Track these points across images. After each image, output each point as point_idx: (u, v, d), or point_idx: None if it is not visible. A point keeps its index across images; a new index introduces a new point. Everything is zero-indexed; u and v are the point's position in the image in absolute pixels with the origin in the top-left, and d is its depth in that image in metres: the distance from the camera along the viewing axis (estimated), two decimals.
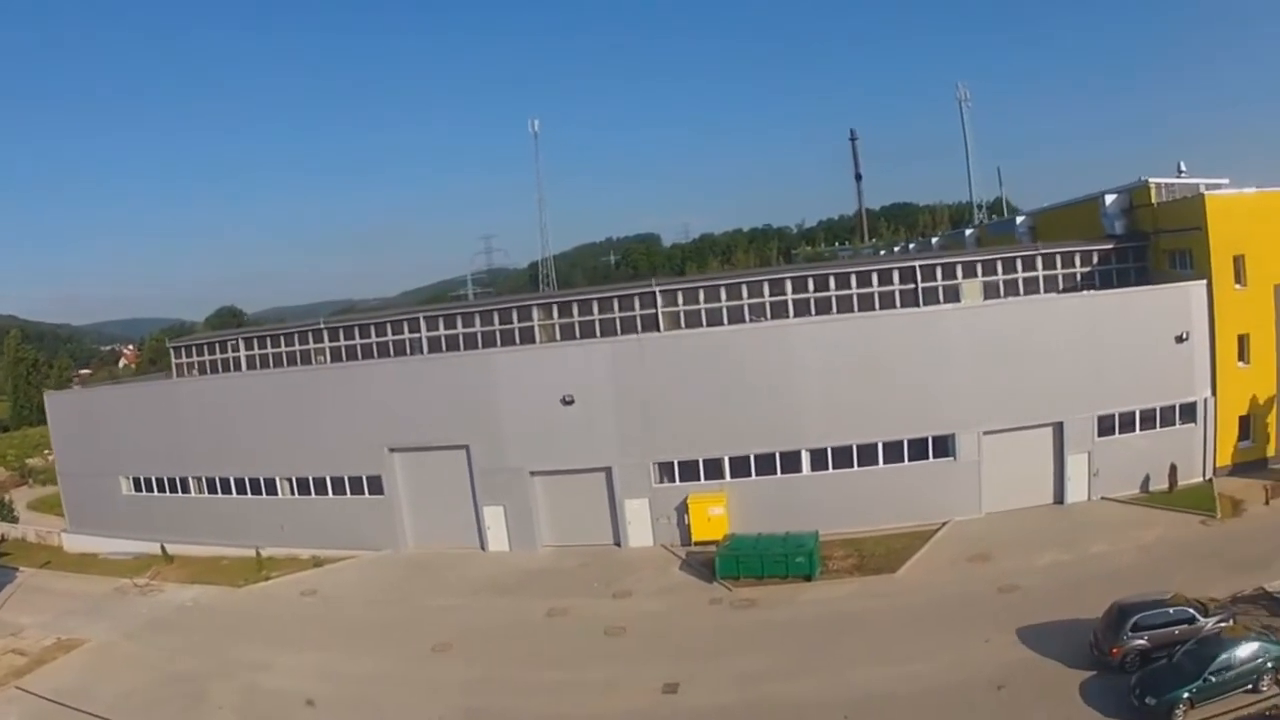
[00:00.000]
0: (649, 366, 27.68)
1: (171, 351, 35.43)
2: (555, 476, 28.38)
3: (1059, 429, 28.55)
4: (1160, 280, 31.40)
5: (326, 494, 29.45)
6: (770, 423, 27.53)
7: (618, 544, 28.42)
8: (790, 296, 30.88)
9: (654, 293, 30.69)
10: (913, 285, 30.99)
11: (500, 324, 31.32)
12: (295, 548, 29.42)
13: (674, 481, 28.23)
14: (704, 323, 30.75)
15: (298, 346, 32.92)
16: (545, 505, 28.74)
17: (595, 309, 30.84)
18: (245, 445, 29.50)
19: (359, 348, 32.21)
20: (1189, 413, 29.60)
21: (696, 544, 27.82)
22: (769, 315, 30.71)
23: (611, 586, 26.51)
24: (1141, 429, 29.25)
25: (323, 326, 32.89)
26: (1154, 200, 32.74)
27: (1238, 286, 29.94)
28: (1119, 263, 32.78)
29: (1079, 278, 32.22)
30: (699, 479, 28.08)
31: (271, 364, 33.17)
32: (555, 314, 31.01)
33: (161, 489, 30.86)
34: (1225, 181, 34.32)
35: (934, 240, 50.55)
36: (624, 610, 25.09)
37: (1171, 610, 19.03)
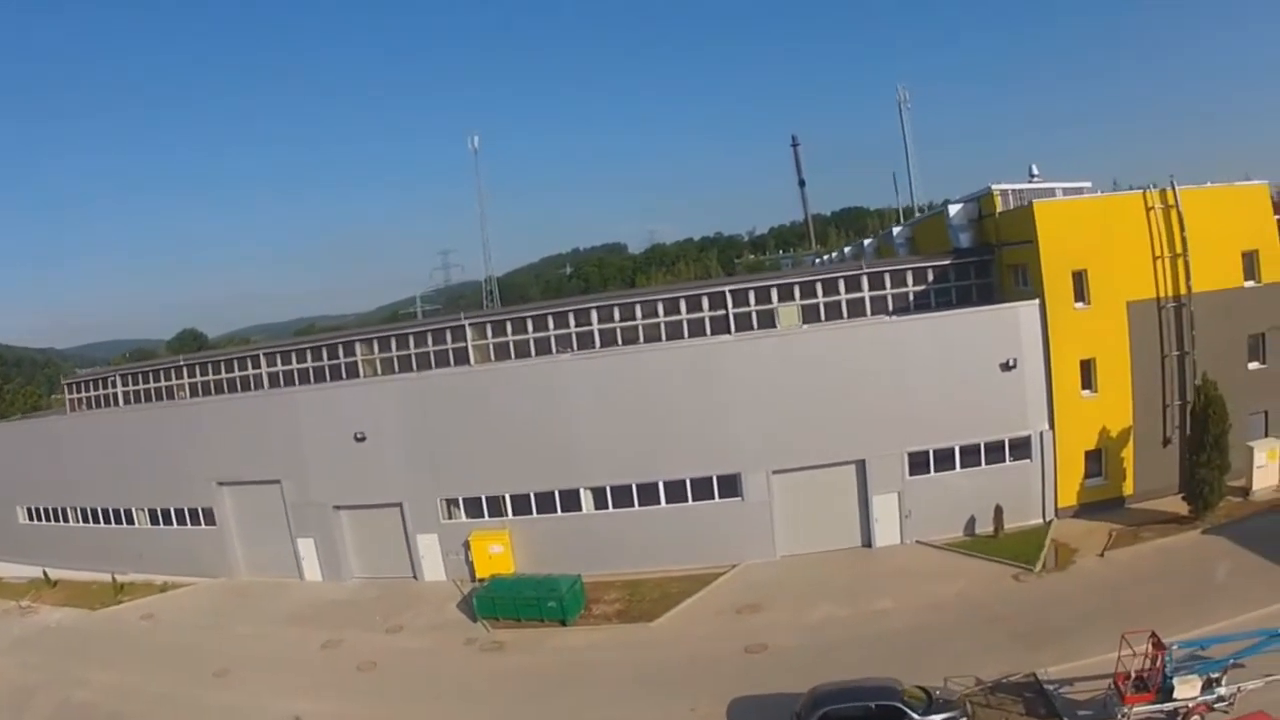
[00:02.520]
0: (432, 404, 26.26)
1: (65, 388, 37.04)
2: (357, 511, 27.43)
3: (861, 467, 24.41)
4: (1007, 299, 26.39)
5: (172, 524, 29.69)
6: (548, 460, 25.59)
7: (416, 577, 26.81)
8: (596, 326, 28.30)
9: (463, 326, 28.78)
10: (723, 311, 27.46)
11: (328, 359, 30.51)
12: (152, 574, 30.17)
13: (461, 518, 26.39)
14: (513, 355, 28.70)
15: (164, 382, 33.62)
16: (352, 538, 27.91)
17: (411, 343, 29.40)
18: (106, 478, 30.28)
19: (211, 384, 32.37)
20: (1022, 448, 24.98)
21: (480, 580, 25.88)
22: (575, 346, 28.12)
23: (390, 620, 25.72)
24: (963, 466, 25.07)
25: (181, 363, 33.42)
26: (998, 209, 27.50)
27: (1079, 305, 24.86)
28: (959, 279, 28.06)
29: (911, 297, 27.61)
30: (484, 516, 26.09)
31: (141, 399, 34.04)
32: (375, 349, 29.78)
33: (48, 518, 32.28)
34: (1087, 185, 28.53)
35: (865, 243, 45.58)
36: (386, 645, 24.24)
37: (873, 704, 15.80)
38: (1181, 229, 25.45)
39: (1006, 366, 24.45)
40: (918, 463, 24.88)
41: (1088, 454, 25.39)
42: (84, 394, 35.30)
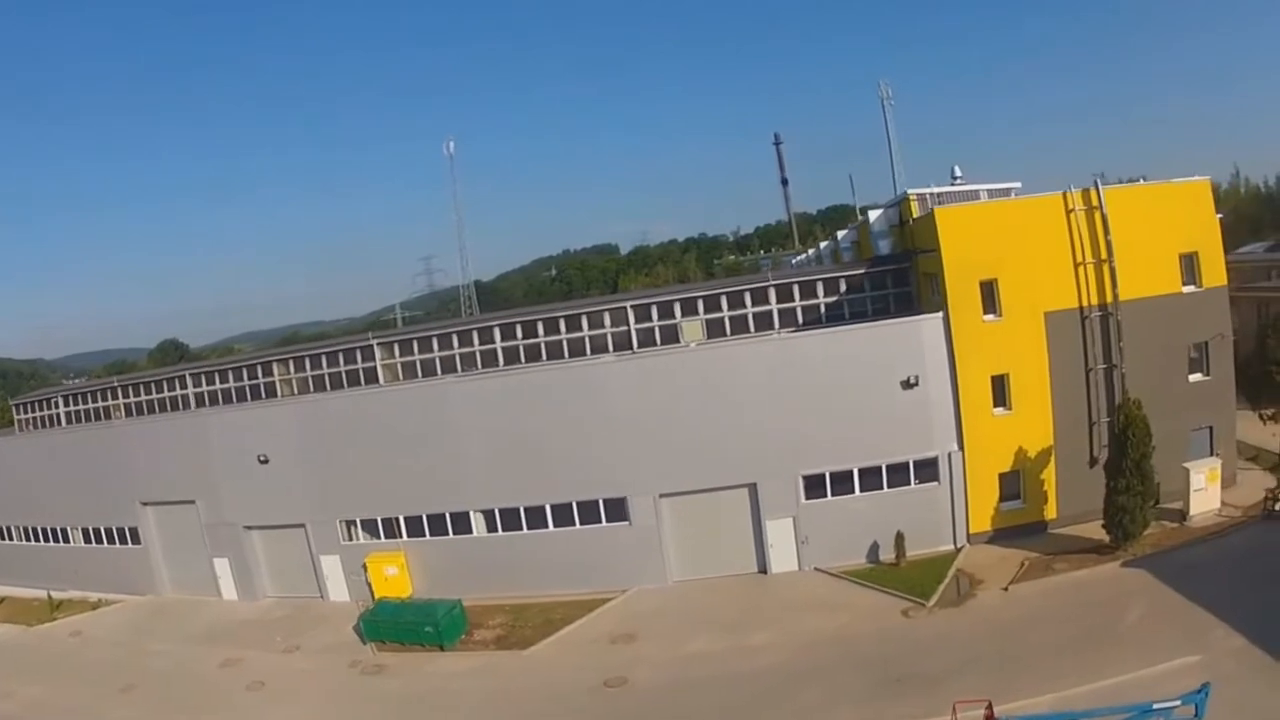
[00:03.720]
0: (327, 426, 25.33)
1: (14, 408, 37.24)
2: (267, 531, 26.58)
3: (753, 490, 22.33)
4: (924, 311, 24.02)
5: (103, 543, 29.40)
6: (439, 483, 24.54)
7: (323, 597, 25.83)
8: (500, 345, 26.88)
9: (371, 346, 27.59)
10: (625, 327, 25.58)
11: (248, 379, 29.75)
12: (87, 591, 29.98)
13: (360, 539, 25.22)
14: (419, 374, 27.38)
15: (101, 403, 33.52)
16: (263, 558, 27.04)
17: (324, 363, 28.37)
18: (43, 498, 30.27)
19: (144, 404, 32.02)
20: (929, 470, 22.55)
21: (387, 599, 24.72)
22: (480, 364, 26.67)
23: (289, 641, 24.96)
24: (864, 490, 22.69)
25: (116, 384, 33.17)
26: (915, 215, 24.94)
27: (989, 317, 22.28)
28: (875, 289, 25.65)
29: (823, 310, 25.32)
30: (380, 537, 24.88)
31: (81, 419, 33.99)
32: (291, 369, 28.87)
33: None
34: (1015, 185, 25.71)
35: (840, 234, 43.00)
36: (279, 665, 23.47)
37: None
38: (1106, 232, 22.60)
39: (908, 384, 22.09)
40: (815, 486, 22.77)
41: (1002, 476, 22.87)
42: (31, 414, 35.59)
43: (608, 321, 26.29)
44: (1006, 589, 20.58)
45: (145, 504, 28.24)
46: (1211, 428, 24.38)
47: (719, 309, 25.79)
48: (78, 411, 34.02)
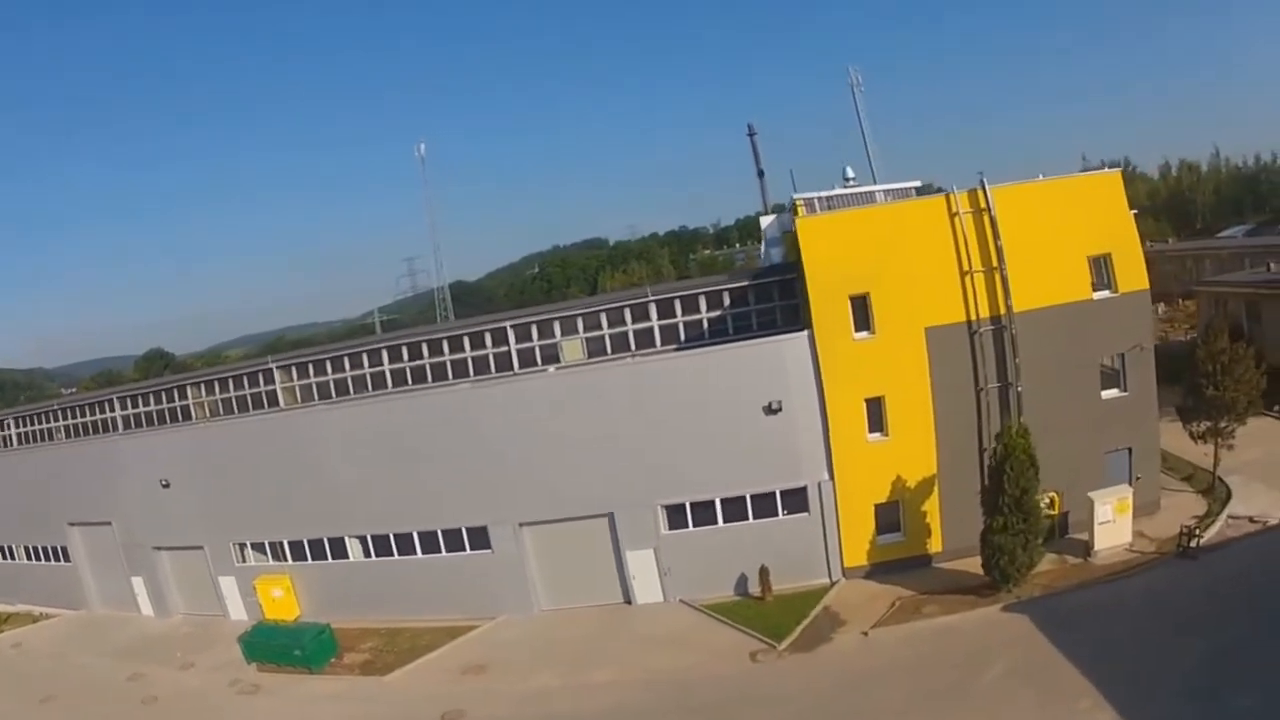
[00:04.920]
0: (220, 451, 24.84)
1: None
2: (173, 551, 26.31)
3: (612, 520, 20.54)
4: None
5: (40, 560, 29.85)
6: (316, 508, 23.73)
7: (226, 616, 25.44)
8: (387, 366, 25.64)
9: (271, 370, 26.72)
10: (505, 348, 23.90)
11: (166, 403, 29.46)
12: (32, 605, 30.67)
13: (252, 562, 24.60)
14: (315, 395, 26.47)
15: (47, 424, 33.80)
16: (173, 577, 26.80)
17: (231, 386, 27.70)
18: None
19: (84, 425, 32.12)
20: (797, 501, 20.16)
21: (276, 620, 24.28)
22: (370, 386, 25.49)
23: (187, 657, 24.74)
24: (727, 520, 20.54)
25: (56, 407, 33.45)
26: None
27: (861, 335, 19.62)
28: (761, 302, 23.29)
29: (706, 325, 23.08)
30: (269, 560, 24.19)
31: (30, 440, 34.40)
32: (204, 392, 28.33)
33: None
34: (914, 185, 22.77)
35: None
36: (173, 681, 23.30)
37: None
38: (995, 236, 19.57)
39: (770, 409, 19.67)
40: (677, 516, 20.77)
41: (880, 507, 20.35)
42: None
43: (489, 342, 24.68)
44: (867, 633, 18.26)
45: (72, 524, 28.40)
46: (1130, 449, 21.21)
47: (599, 327, 23.82)
48: (29, 432, 34.70)
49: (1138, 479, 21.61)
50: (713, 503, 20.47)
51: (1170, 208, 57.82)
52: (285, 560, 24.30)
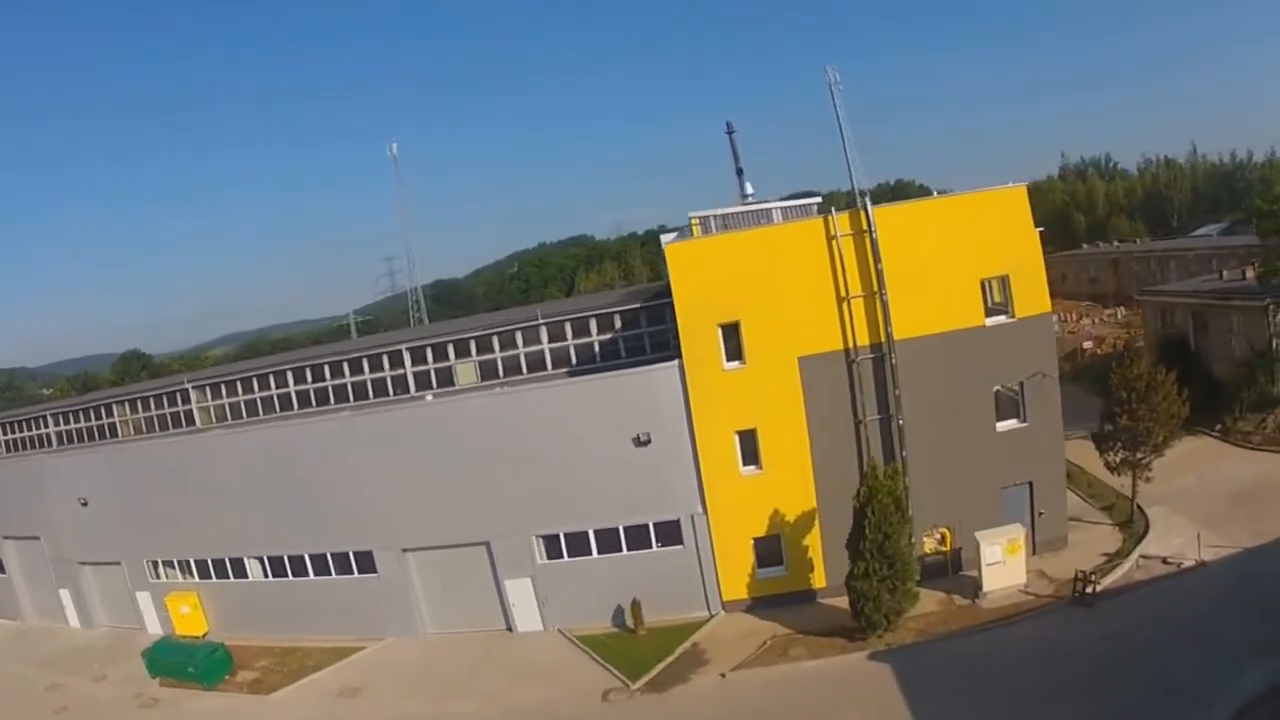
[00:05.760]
0: (131, 471, 24.98)
1: None
2: (95, 566, 26.48)
3: (489, 548, 19.85)
4: None
5: None
6: (220, 528, 23.51)
7: (144, 630, 25.54)
8: (293, 388, 25.47)
9: (186, 390, 26.56)
10: (402, 370, 23.20)
11: (95, 420, 29.98)
12: None
13: (164, 578, 24.81)
14: (244, 414, 26.25)
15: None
16: (96, 590, 27.07)
17: (151, 405, 27.74)
18: None
19: (18, 441, 32.49)
20: (671, 534, 19.07)
21: (182, 637, 24.28)
22: (278, 408, 25.21)
23: (102, 669, 24.85)
24: (601, 552, 19.81)
25: None
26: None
27: (733, 365, 18.37)
28: (653, 325, 22.19)
29: (597, 348, 22.04)
30: (180, 577, 24.58)
31: None
32: (128, 410, 28.58)
33: None
34: (815, 201, 21.43)
35: None
36: (85, 692, 23.42)
37: None
38: (876, 260, 18.07)
39: (639, 441, 18.57)
40: (553, 546, 19.88)
41: (759, 541, 19.20)
42: None
43: (387, 365, 24.06)
44: (725, 675, 17.22)
45: (6, 537, 28.87)
46: (1031, 483, 19.56)
47: (492, 350, 22.96)
48: None
49: (1040, 514, 20.00)
50: (586, 534, 19.66)
51: (1146, 206, 54.84)
52: (193, 578, 24.39)
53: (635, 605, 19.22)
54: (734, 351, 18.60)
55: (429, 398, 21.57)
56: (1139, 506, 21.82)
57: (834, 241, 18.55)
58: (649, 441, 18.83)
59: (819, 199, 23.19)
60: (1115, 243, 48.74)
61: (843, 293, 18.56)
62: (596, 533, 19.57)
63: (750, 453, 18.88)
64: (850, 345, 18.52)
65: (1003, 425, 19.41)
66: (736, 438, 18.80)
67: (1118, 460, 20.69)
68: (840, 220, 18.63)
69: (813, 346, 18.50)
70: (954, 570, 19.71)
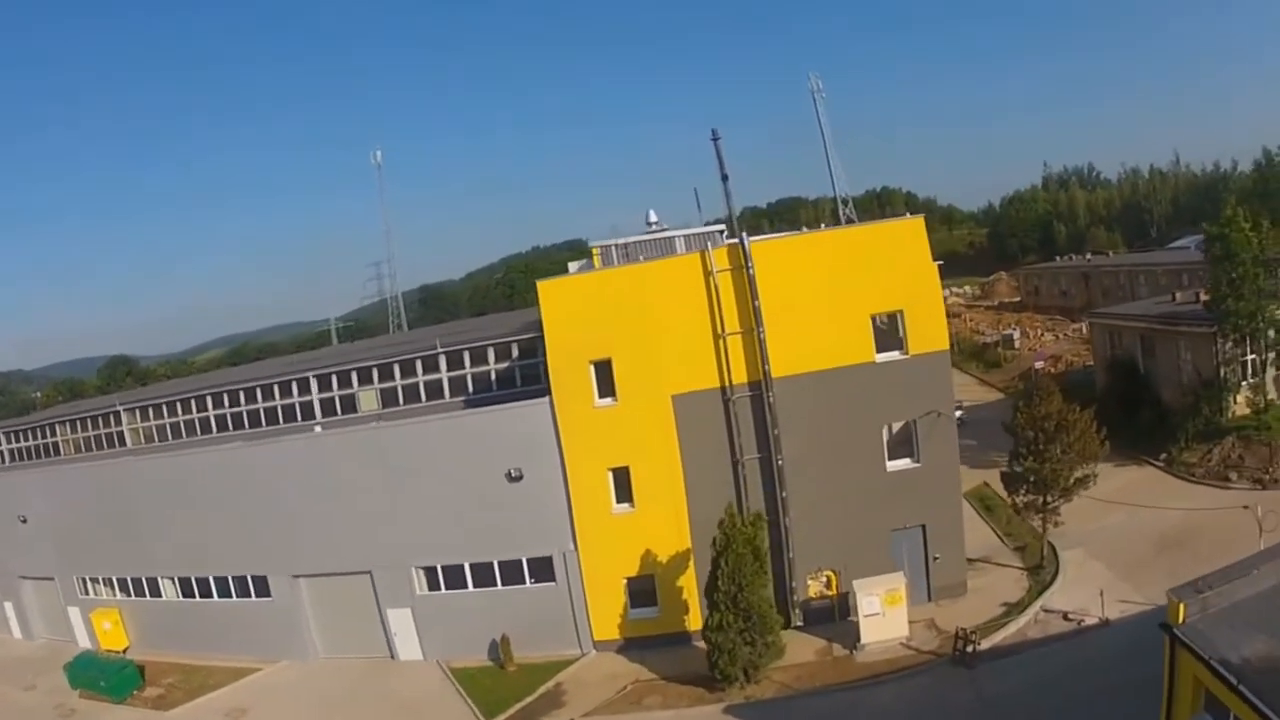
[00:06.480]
0: (61, 490, 25.15)
1: None
2: (34, 581, 27.31)
3: (371, 578, 19.47)
4: None
5: None
6: (137, 548, 23.44)
7: (75, 643, 25.94)
8: (195, 415, 25.95)
9: (118, 411, 26.77)
10: (308, 397, 22.93)
11: (37, 439, 30.54)
12: None
13: (92, 595, 25.20)
14: (169, 436, 26.48)
15: None
16: (36, 604, 27.67)
17: (89, 426, 28.20)
18: None
19: None
20: (544, 570, 18.34)
21: (106, 651, 24.45)
22: (199, 431, 25.53)
23: (35, 679, 25.01)
24: (477, 586, 19.31)
25: None
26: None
27: (604, 402, 17.47)
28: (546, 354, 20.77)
29: (494, 377, 21.32)
30: (104, 594, 24.86)
31: None
32: (69, 431, 29.12)
33: None
34: (718, 229, 20.40)
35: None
36: (14, 700, 23.64)
37: None
38: (753, 296, 16.85)
39: (511, 477, 17.81)
40: (433, 578, 19.37)
41: (631, 580, 18.36)
42: None
43: (295, 391, 23.81)
44: None
45: None
46: (925, 526, 18.22)
47: (392, 378, 22.46)
48: None
49: (936, 559, 18.68)
50: (463, 567, 19.08)
51: (1124, 216, 51.57)
52: (115, 595, 24.62)
53: (505, 641, 18.56)
54: (606, 388, 17.65)
55: (317, 429, 21.23)
56: (1053, 549, 20.32)
57: (710, 277, 17.44)
58: (521, 477, 18.11)
59: (722, 227, 21.93)
60: (1088, 255, 46.12)
61: (719, 329, 17.45)
62: (472, 567, 19.01)
63: (623, 491, 17.98)
64: (727, 383, 17.42)
65: (894, 465, 18.14)
66: (610, 475, 17.92)
67: (1023, 504, 19.22)
68: (717, 255, 17.44)
69: (687, 384, 17.49)
70: (841, 615, 18.55)
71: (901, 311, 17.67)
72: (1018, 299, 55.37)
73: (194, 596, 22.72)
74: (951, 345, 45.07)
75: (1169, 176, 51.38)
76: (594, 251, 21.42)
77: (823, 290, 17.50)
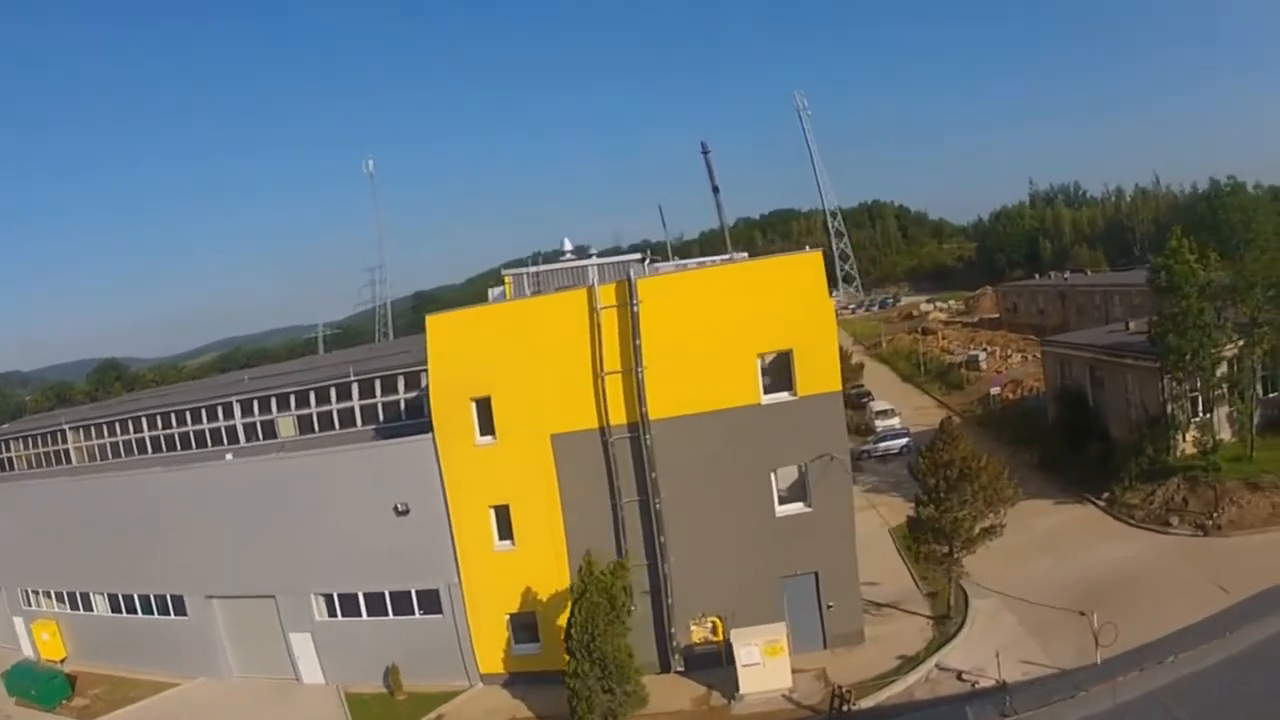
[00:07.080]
0: (8, 505, 25.59)
1: None
2: None
3: (275, 602, 19.52)
4: None
5: None
6: (71, 564, 23.83)
7: (22, 652, 26.82)
8: (133, 435, 26.20)
9: (64, 430, 27.49)
10: (233, 421, 23.15)
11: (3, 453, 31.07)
12: None
13: (35, 606, 25.92)
14: (109, 455, 27.31)
15: None
16: None
17: (37, 443, 29.21)
18: None
19: None
20: (431, 602, 18.18)
21: (46, 661, 25.57)
22: (136, 451, 26.15)
23: None
24: (370, 614, 19.28)
25: None
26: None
27: (484, 440, 17.10)
28: None
29: (403, 405, 21.09)
30: (45, 607, 25.42)
31: None
32: (21, 447, 29.92)
33: None
34: (634, 258, 20.07)
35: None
36: None
37: None
38: (635, 334, 16.18)
39: (399, 511, 17.62)
40: (331, 604, 19.43)
41: (514, 616, 17.93)
42: None
43: (220, 415, 24.06)
44: None
45: None
46: (817, 573, 17.32)
47: (309, 405, 22.47)
48: None
49: (830, 607, 17.77)
50: (357, 595, 19.01)
51: (1107, 235, 48.75)
52: (54, 607, 25.21)
53: (394, 670, 18.46)
54: (486, 426, 17.26)
55: (228, 456, 21.45)
56: (965, 597, 19.14)
57: (595, 314, 16.86)
58: (408, 511, 17.90)
59: (638, 257, 21.19)
60: (1066, 274, 43.72)
61: (599, 368, 16.90)
62: (366, 595, 18.95)
63: (505, 528, 17.57)
64: (605, 423, 16.85)
65: (784, 510, 17.31)
66: (492, 513, 17.54)
67: (924, 554, 18.10)
68: (604, 292, 16.82)
69: (566, 424, 16.96)
70: (728, 662, 17.76)
71: (791, 351, 16.79)
72: (998, 315, 53.33)
73: (122, 612, 23.13)
74: (918, 366, 44.01)
75: (1151, 196, 48.93)
76: (506, 280, 20.98)
77: (710, 328, 16.74)
